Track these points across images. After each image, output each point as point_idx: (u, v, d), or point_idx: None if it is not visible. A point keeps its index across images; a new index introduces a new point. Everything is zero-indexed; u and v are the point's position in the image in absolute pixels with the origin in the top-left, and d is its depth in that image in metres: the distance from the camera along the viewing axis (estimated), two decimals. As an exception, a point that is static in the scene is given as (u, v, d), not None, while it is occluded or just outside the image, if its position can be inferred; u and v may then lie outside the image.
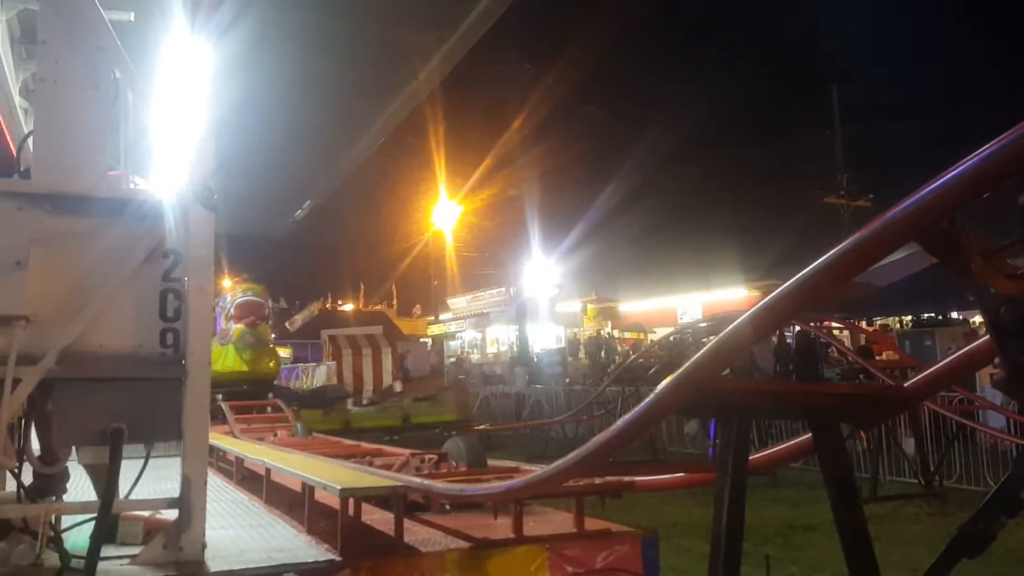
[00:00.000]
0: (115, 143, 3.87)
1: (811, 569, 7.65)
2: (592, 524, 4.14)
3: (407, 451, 6.06)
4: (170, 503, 3.50)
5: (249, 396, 12.41)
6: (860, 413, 2.89)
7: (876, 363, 13.31)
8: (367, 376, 20.07)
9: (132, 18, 5.37)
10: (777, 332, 16.03)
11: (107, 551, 3.39)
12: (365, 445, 7.86)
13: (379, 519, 4.44)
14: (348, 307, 55.38)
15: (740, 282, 38.45)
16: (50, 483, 3.53)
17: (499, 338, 46.68)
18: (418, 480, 4.46)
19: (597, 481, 4.08)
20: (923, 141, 37.12)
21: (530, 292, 42.65)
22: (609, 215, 41.99)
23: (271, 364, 14.26)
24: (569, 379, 27.27)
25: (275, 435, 9.04)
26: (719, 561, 2.47)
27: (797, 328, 16.69)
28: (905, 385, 2.91)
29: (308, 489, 4.47)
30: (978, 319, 20.80)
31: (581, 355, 39.63)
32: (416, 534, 4.15)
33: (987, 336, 2.36)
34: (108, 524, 3.44)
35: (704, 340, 12.32)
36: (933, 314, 23.58)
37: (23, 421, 3.44)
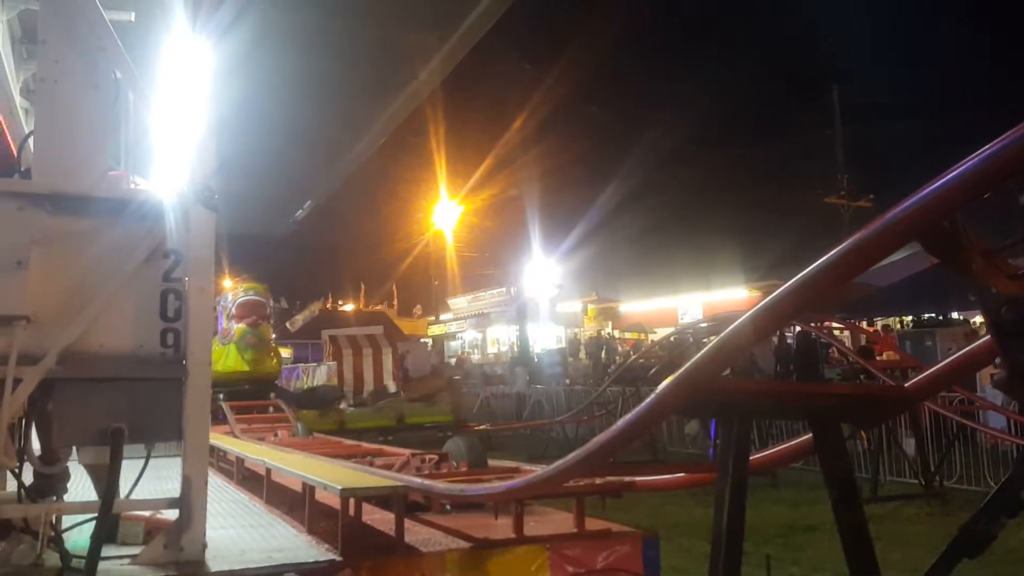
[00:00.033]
0: (116, 143, 3.87)
1: (811, 569, 7.65)
2: (593, 524, 4.14)
3: (408, 451, 6.06)
4: (171, 503, 3.50)
5: (251, 396, 12.38)
6: (861, 413, 2.89)
7: (876, 363, 13.31)
8: (368, 376, 20.07)
9: (133, 18, 5.37)
10: (778, 332, 16.02)
11: (108, 551, 3.40)
12: (366, 445, 7.86)
13: (380, 519, 4.44)
14: (349, 307, 55.38)
15: (741, 282, 38.43)
16: (51, 483, 3.54)
17: (500, 338, 46.68)
18: (419, 480, 4.46)
19: (598, 481, 4.08)
20: (923, 141, 37.15)
21: (531, 292, 42.65)
22: (609, 215, 42.01)
23: (273, 363, 14.18)
24: (569, 380, 27.24)
25: (275, 435, 9.05)
26: (720, 561, 2.47)
27: (798, 328, 16.72)
28: (906, 385, 2.91)
29: (309, 489, 4.47)
30: (979, 319, 20.79)
31: (582, 355, 39.62)
32: (417, 534, 4.15)
33: (988, 336, 2.36)
34: (109, 524, 3.44)
35: (705, 340, 12.32)
36: (934, 314, 23.58)
37: (24, 421, 3.44)
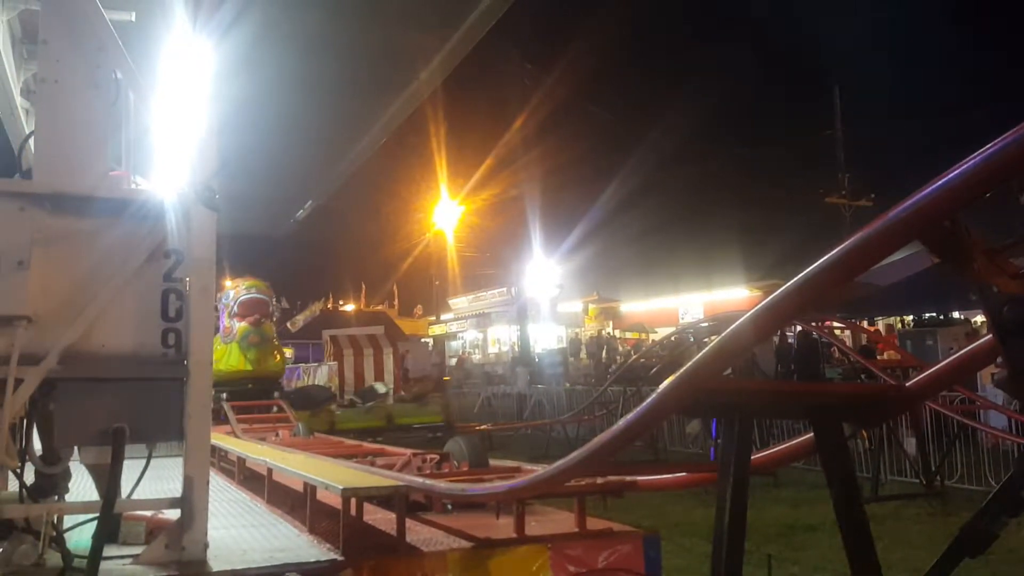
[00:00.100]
0: (117, 143, 3.87)
1: (812, 569, 7.65)
2: (594, 524, 4.15)
3: (409, 451, 6.06)
4: (172, 503, 3.50)
5: (254, 395, 12.32)
6: (862, 413, 2.89)
7: (877, 363, 13.31)
8: (369, 377, 20.08)
9: (133, 18, 5.36)
10: (778, 332, 16.02)
11: (109, 551, 3.40)
12: (367, 445, 7.87)
13: (381, 519, 4.45)
14: (350, 307, 55.36)
15: (742, 282, 38.39)
16: (52, 483, 3.54)
17: (500, 338, 46.67)
18: (420, 480, 4.46)
19: (599, 481, 4.08)
20: (925, 141, 37.08)
21: (531, 292, 42.62)
22: (610, 215, 41.97)
23: (276, 362, 14.04)
24: (569, 383, 27.23)
25: (277, 435, 9.05)
26: (721, 560, 2.47)
27: (799, 328, 16.72)
28: (907, 385, 2.90)
29: (310, 489, 4.48)
30: (980, 319, 20.78)
31: (583, 355, 39.60)
32: (418, 534, 4.15)
33: (989, 336, 2.36)
34: (110, 524, 3.44)
35: (706, 340, 12.32)
36: (934, 314, 23.56)
37: (25, 421, 3.44)
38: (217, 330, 12.80)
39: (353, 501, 4.10)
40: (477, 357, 46.36)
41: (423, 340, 41.20)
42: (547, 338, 42.20)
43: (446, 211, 47.16)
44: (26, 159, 3.87)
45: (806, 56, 45.87)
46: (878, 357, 15.76)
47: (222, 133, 3.87)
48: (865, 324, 22.87)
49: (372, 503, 4.61)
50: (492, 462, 5.33)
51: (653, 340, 33.82)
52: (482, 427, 18.96)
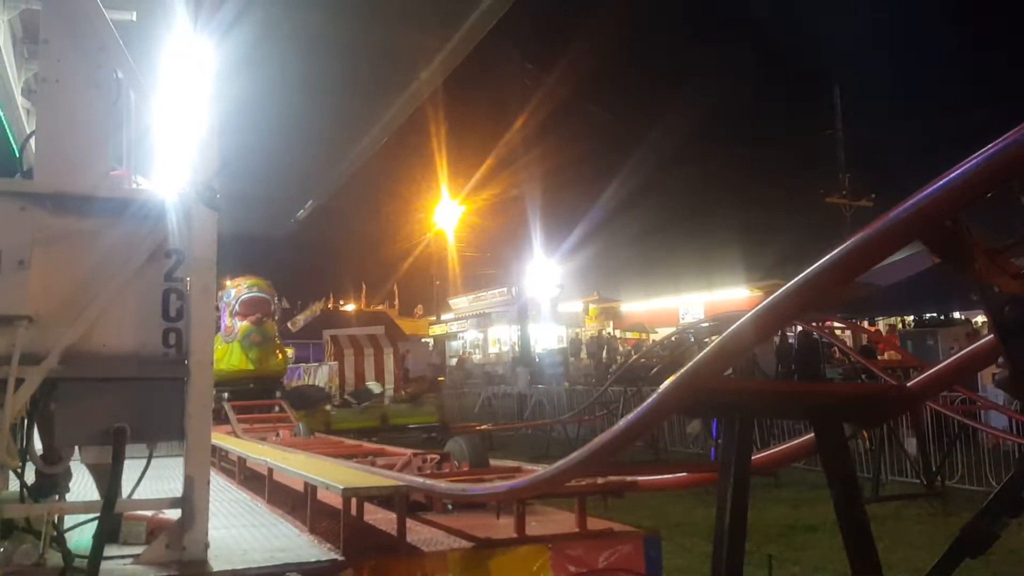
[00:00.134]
0: (117, 143, 3.87)
1: (813, 569, 7.64)
2: (595, 524, 4.15)
3: (409, 451, 6.06)
4: (173, 503, 3.51)
5: (256, 395, 12.26)
6: (862, 413, 2.89)
7: (878, 363, 13.31)
8: (369, 377, 20.07)
9: (134, 17, 5.38)
10: (779, 332, 16.01)
11: (110, 551, 3.40)
12: (367, 445, 7.86)
13: (381, 519, 4.45)
14: (350, 307, 55.37)
15: (742, 282, 38.37)
16: (53, 483, 3.54)
17: (501, 338, 46.67)
18: (420, 480, 4.46)
19: (600, 481, 4.08)
20: (925, 141, 37.07)
21: (532, 292, 42.62)
22: (611, 215, 41.94)
23: (278, 361, 13.92)
24: (569, 383, 27.24)
25: (277, 435, 9.05)
26: (722, 561, 2.47)
27: (799, 328, 16.73)
28: (908, 385, 2.90)
29: (310, 489, 4.48)
30: (980, 319, 20.78)
31: (583, 355, 39.60)
32: (418, 534, 4.15)
33: (990, 336, 2.36)
34: (111, 524, 3.44)
35: (706, 340, 12.31)
36: (935, 314, 23.55)
37: (26, 421, 3.44)
38: (218, 329, 12.73)
39: (354, 501, 4.10)
40: (477, 357, 46.37)
41: (423, 340, 41.21)
42: (547, 338, 42.19)
43: (447, 211, 47.16)
44: (27, 159, 3.87)
45: (806, 56, 45.87)
46: (879, 357, 15.75)
47: (223, 133, 3.87)
48: (866, 324, 22.86)
49: (373, 503, 4.61)
50: (492, 462, 5.33)
51: (653, 340, 33.82)
52: (482, 427, 18.94)
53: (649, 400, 2.57)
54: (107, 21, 3.67)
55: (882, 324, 27.84)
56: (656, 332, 37.49)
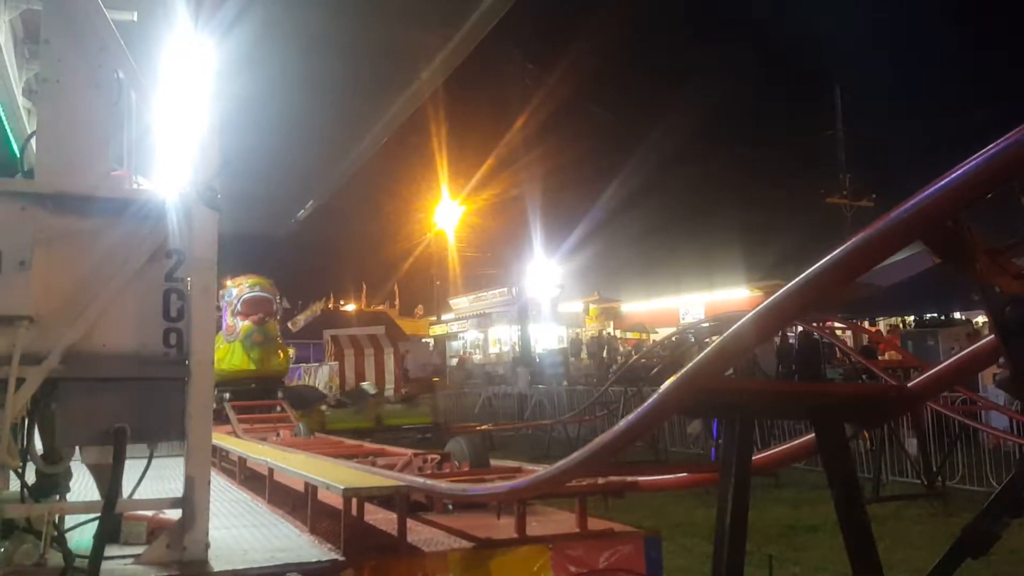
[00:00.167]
0: (118, 143, 3.87)
1: (813, 569, 7.64)
2: (595, 524, 4.15)
3: (410, 451, 6.06)
4: (173, 503, 3.51)
5: (257, 395, 12.22)
6: (863, 413, 2.89)
7: (879, 363, 13.30)
8: (370, 377, 20.08)
9: (135, 18, 5.38)
10: (779, 332, 16.00)
11: (111, 551, 3.40)
12: (368, 445, 7.86)
13: (382, 519, 4.45)
14: (350, 307, 55.38)
15: (743, 282, 38.36)
16: (54, 483, 3.54)
17: (501, 338, 46.66)
18: (421, 480, 4.46)
19: (600, 481, 4.08)
20: (926, 141, 37.06)
21: (532, 292, 42.61)
22: (611, 215, 41.92)
23: (280, 361, 13.82)
24: (570, 383, 27.22)
25: (278, 435, 9.05)
26: (723, 561, 2.47)
27: (800, 328, 16.71)
28: (909, 385, 2.90)
29: (311, 489, 4.48)
30: (981, 319, 20.77)
31: (583, 355, 39.60)
32: (419, 534, 4.15)
33: (991, 336, 2.36)
34: (112, 524, 3.44)
35: (707, 340, 12.31)
36: (936, 314, 23.53)
37: (27, 421, 3.45)
38: (220, 328, 12.67)
39: (354, 501, 4.10)
40: (478, 357, 46.35)
41: (424, 340, 41.19)
42: (548, 338, 42.18)
43: (447, 211, 47.16)
44: (28, 159, 3.87)
45: (807, 56, 45.82)
46: (879, 358, 15.75)
47: (224, 132, 3.88)
48: (866, 324, 22.85)
49: (373, 503, 4.61)
50: (493, 462, 5.33)
51: (654, 340, 33.81)
52: (483, 427, 18.93)
53: (650, 400, 2.57)
54: (108, 21, 3.67)
55: (883, 324, 27.84)
56: (656, 332, 37.46)
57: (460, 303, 50.80)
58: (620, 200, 41.36)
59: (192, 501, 3.44)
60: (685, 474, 4.39)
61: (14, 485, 3.57)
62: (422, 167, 45.53)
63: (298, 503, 4.86)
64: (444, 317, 51.21)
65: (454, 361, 43.60)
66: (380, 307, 52.42)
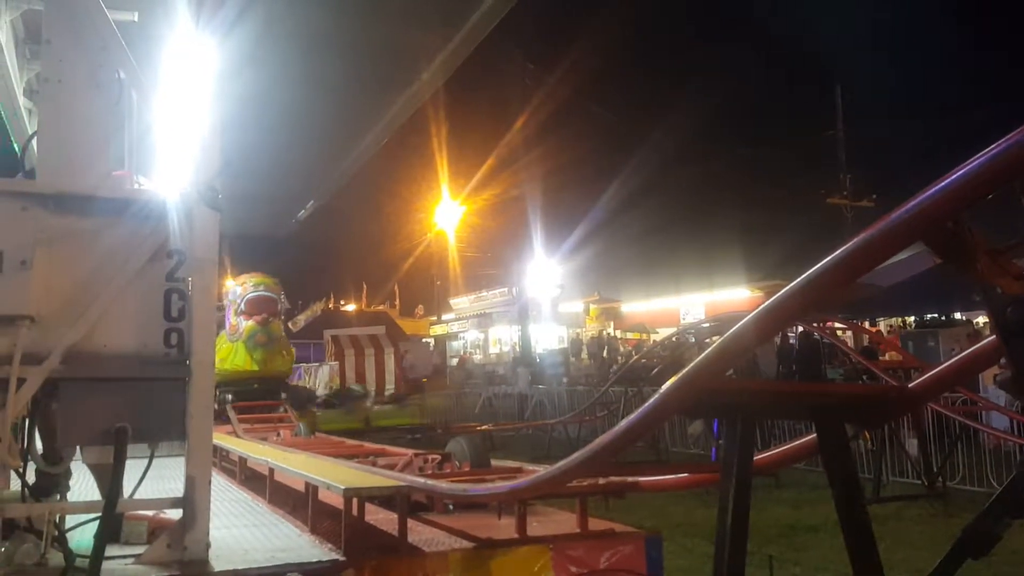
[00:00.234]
0: (119, 143, 3.87)
1: (814, 570, 7.64)
2: (596, 524, 4.15)
3: (410, 451, 6.07)
4: (174, 503, 3.51)
5: (260, 396, 12.17)
6: (864, 414, 2.89)
7: (879, 364, 13.30)
8: (370, 377, 20.10)
9: (136, 18, 5.37)
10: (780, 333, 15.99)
11: (111, 550, 3.40)
12: (368, 445, 7.87)
13: (383, 519, 4.45)
14: (351, 307, 55.39)
15: (743, 282, 38.36)
16: (54, 482, 3.54)
17: (502, 338, 46.68)
18: (422, 480, 4.46)
19: (601, 481, 4.08)
20: (926, 141, 37.06)
21: (533, 292, 42.61)
22: (612, 215, 41.92)
23: (283, 362, 13.73)
24: (570, 383, 27.21)
25: (278, 435, 9.05)
26: (724, 561, 2.48)
27: (800, 329, 16.72)
28: (910, 386, 2.90)
29: (312, 489, 4.48)
30: (982, 320, 20.77)
31: (584, 355, 39.61)
32: (420, 534, 4.15)
33: (992, 337, 2.36)
34: (112, 524, 3.44)
35: (707, 341, 12.31)
36: (936, 315, 23.53)
37: (27, 421, 3.45)
38: (223, 327, 12.62)
39: (355, 501, 4.10)
40: (478, 357, 46.37)
41: (424, 340, 41.16)
42: (548, 338, 42.20)
43: (447, 211, 47.16)
44: (29, 159, 3.87)
45: (808, 56, 45.80)
46: (880, 358, 15.74)
47: (225, 132, 3.88)
48: (867, 325, 22.85)
49: (374, 503, 4.61)
50: (494, 462, 5.33)
51: (654, 340, 33.80)
52: (483, 427, 18.94)
53: (650, 401, 2.58)
54: (109, 21, 3.67)
55: (883, 325, 27.84)
56: (657, 332, 37.46)
57: (460, 303, 50.82)
58: (620, 200, 41.39)
59: (193, 501, 3.44)
60: (686, 474, 4.39)
61: (15, 485, 3.58)
62: (423, 167, 45.58)
63: (299, 503, 4.86)
64: (444, 317, 51.23)
65: (454, 361, 43.61)
66: (380, 307, 52.43)
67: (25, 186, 3.52)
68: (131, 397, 3.40)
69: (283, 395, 12.69)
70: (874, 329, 23.88)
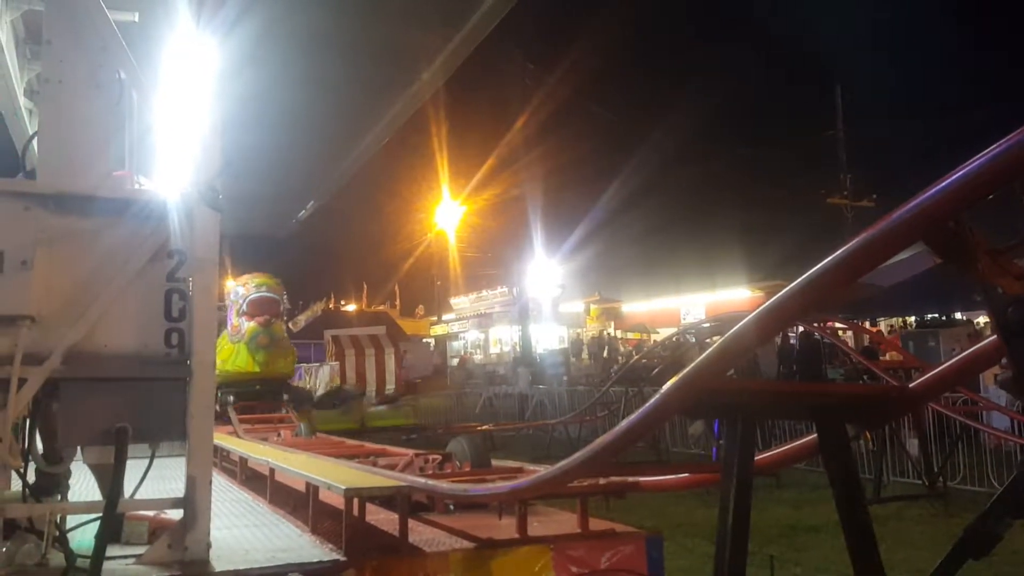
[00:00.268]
0: (120, 143, 3.87)
1: (815, 570, 7.65)
2: (597, 524, 4.15)
3: (411, 451, 6.07)
4: (175, 503, 3.51)
5: (262, 397, 12.14)
6: (864, 414, 2.89)
7: (880, 364, 13.30)
8: (370, 377, 20.09)
9: (136, 18, 5.37)
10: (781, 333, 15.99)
11: (112, 551, 3.40)
12: (369, 445, 7.87)
13: (383, 519, 4.45)
14: (351, 307, 55.40)
15: (744, 282, 38.38)
16: (55, 482, 3.54)
17: (502, 338, 46.67)
18: (422, 480, 4.46)
19: (602, 481, 4.08)
20: (927, 141, 37.08)
21: (533, 292, 42.61)
22: (612, 215, 41.94)
23: (285, 363, 13.67)
24: (571, 383, 27.21)
25: (279, 435, 9.05)
26: (724, 561, 2.47)
27: (801, 329, 16.71)
28: (910, 386, 2.90)
29: (312, 489, 4.48)
30: (982, 320, 20.77)
31: (584, 356, 39.61)
32: (420, 534, 4.15)
33: (992, 337, 2.36)
34: (113, 524, 3.44)
35: (708, 341, 12.31)
36: (937, 315, 23.53)
37: (28, 421, 3.45)
38: (225, 327, 12.60)
39: (356, 501, 4.10)
40: (479, 357, 46.37)
41: (425, 340, 41.15)
42: (549, 338, 42.20)
43: (448, 211, 47.16)
44: (30, 159, 3.87)
45: (808, 56, 45.83)
46: (880, 358, 15.74)
47: (225, 132, 3.88)
48: (867, 325, 22.85)
49: (374, 503, 4.61)
50: (494, 462, 5.33)
51: (655, 340, 33.79)
52: (484, 427, 18.94)
53: (651, 401, 2.58)
54: (109, 21, 3.67)
55: (884, 325, 27.84)
56: (657, 332, 37.45)
57: (461, 303, 50.84)
58: (621, 200, 41.40)
59: (194, 501, 3.44)
60: (687, 474, 4.39)
61: (16, 485, 3.58)
62: (423, 167, 45.58)
63: (299, 503, 4.86)
64: (445, 317, 51.24)
65: (455, 361, 43.61)
66: (381, 307, 52.47)
67: (26, 186, 3.52)
68: (132, 397, 3.40)
69: (285, 396, 12.66)
70: (875, 329, 23.88)
